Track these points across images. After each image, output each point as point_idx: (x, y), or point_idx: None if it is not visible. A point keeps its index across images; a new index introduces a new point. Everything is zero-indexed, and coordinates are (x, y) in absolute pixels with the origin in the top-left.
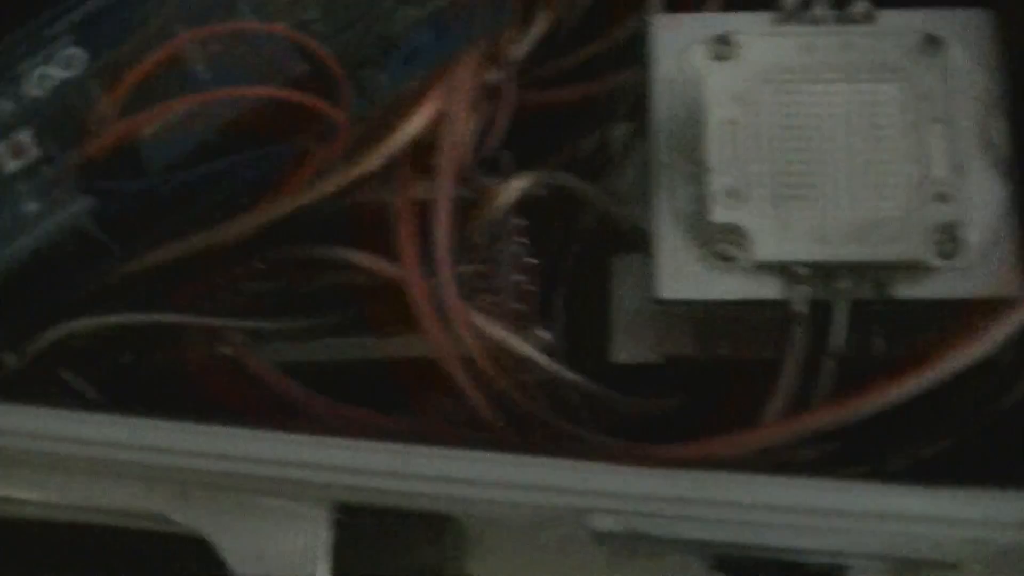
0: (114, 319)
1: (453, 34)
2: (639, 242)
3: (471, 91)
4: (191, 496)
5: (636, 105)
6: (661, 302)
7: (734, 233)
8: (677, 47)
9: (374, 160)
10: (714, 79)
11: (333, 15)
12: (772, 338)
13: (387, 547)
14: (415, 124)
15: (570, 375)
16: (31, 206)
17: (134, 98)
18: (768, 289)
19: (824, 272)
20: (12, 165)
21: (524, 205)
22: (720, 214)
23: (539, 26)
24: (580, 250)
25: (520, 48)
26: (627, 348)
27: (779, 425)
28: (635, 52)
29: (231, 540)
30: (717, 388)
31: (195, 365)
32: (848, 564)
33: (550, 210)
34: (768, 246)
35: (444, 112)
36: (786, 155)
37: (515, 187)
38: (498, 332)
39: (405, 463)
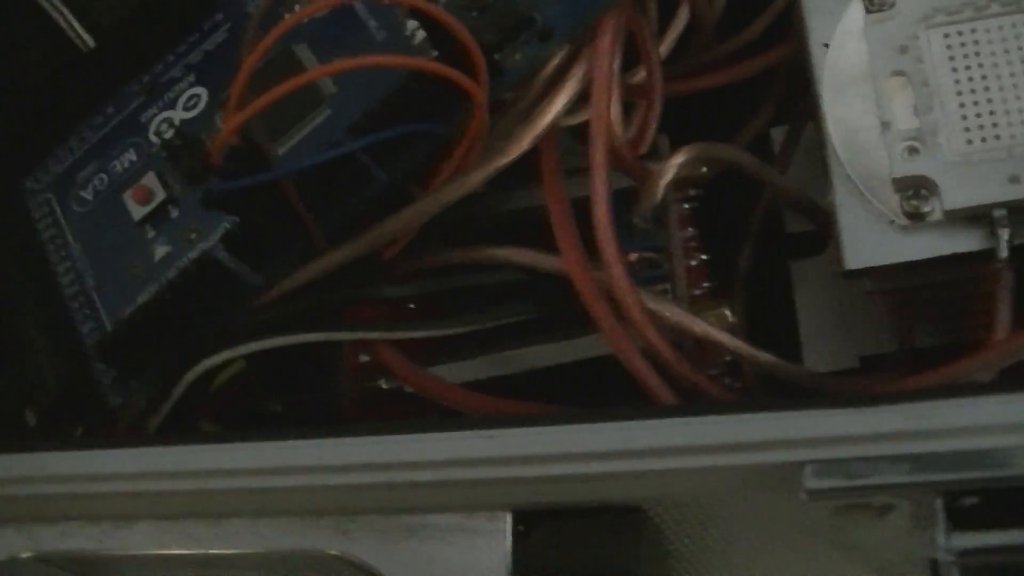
0: (255, 345)
1: (584, 3)
2: (815, 239)
3: (612, 67)
4: (353, 527)
5: (792, 82)
6: (850, 274)
7: (920, 186)
8: (829, 8)
9: (520, 144)
10: (874, 33)
11: None
12: (975, 315)
13: (574, 558)
14: (558, 104)
15: (763, 355)
16: (162, 249)
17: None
18: (963, 241)
19: (1021, 212)
20: (139, 211)
21: (693, 200)
22: (903, 168)
23: (680, 20)
24: (755, 249)
25: (663, 43)
26: (822, 357)
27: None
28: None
29: (402, 571)
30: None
31: (349, 405)
32: None
33: (721, 207)
34: (958, 194)
35: (588, 90)
36: (962, 98)
37: (674, 163)
38: (677, 315)
39: (590, 440)
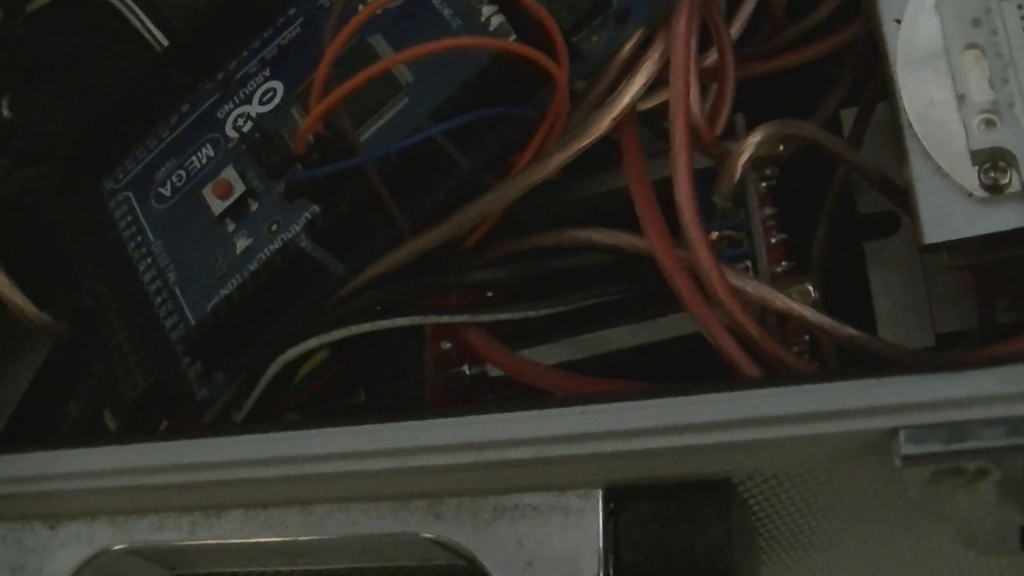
0: (341, 332)
1: None
2: (887, 219)
3: (689, 47)
4: (444, 509)
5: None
6: (929, 249)
7: (998, 158)
8: None
9: (600, 126)
10: (947, 7)
11: None
12: None
13: (665, 535)
14: (636, 86)
15: (846, 329)
16: (243, 242)
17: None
18: None
19: None
20: (219, 206)
21: (771, 179)
22: (981, 140)
23: (749, 2)
24: (828, 230)
25: (734, 25)
26: (898, 336)
27: None
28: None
29: (494, 552)
30: None
31: (432, 393)
32: None
33: (793, 188)
34: None
35: (664, 72)
36: None
37: (751, 142)
38: (760, 290)
39: (684, 412)
